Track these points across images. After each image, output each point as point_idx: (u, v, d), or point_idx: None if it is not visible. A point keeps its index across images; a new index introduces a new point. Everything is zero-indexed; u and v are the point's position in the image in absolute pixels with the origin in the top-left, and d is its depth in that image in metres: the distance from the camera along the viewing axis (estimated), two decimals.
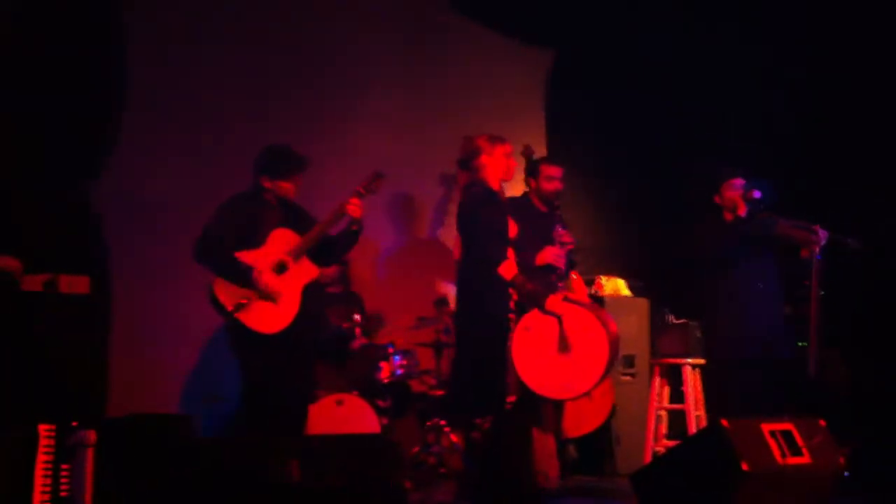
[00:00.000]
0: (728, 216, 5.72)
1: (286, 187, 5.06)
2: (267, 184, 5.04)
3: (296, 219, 5.10)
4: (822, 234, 5.56)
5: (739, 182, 5.69)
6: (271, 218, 5.02)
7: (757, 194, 5.58)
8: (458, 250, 5.27)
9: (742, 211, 5.63)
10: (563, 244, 5.50)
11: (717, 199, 5.78)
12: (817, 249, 5.56)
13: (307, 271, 5.00)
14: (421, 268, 7.27)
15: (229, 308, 4.77)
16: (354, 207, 5.03)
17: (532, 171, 5.74)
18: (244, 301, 4.78)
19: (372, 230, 6.57)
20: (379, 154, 6.81)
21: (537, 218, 5.66)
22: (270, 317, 4.84)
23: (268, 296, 4.83)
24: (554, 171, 5.70)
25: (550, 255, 5.45)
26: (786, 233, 5.68)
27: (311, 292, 5.04)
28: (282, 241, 4.96)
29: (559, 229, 5.53)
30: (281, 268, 4.92)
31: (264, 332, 4.82)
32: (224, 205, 5.00)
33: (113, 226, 5.80)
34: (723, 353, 5.73)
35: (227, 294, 4.80)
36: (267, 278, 4.83)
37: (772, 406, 5.37)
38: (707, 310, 5.91)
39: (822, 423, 4.67)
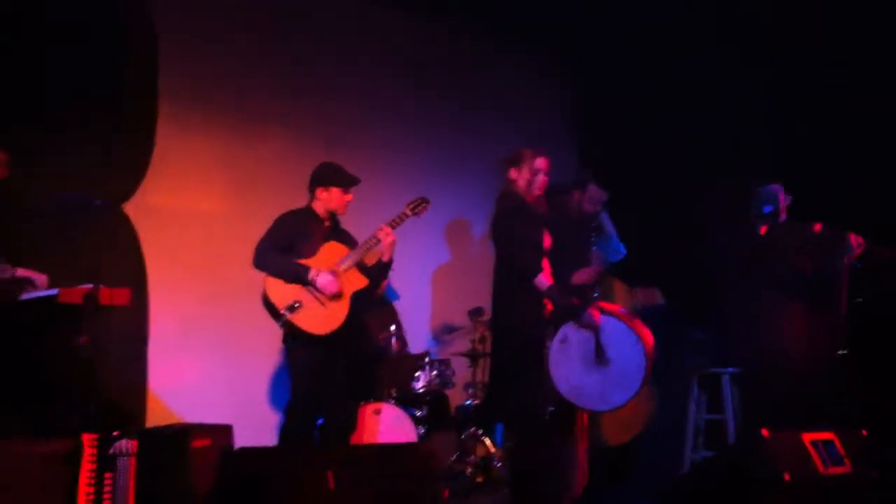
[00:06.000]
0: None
1: (341, 197, 5.20)
2: (322, 193, 5.19)
3: (343, 236, 5.30)
4: (857, 241, 5.50)
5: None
6: (321, 231, 5.20)
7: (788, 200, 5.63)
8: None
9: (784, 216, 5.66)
10: (597, 266, 5.59)
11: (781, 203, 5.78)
12: (854, 257, 5.50)
13: (356, 280, 5.15)
14: (458, 278, 7.30)
15: (281, 309, 4.92)
16: (385, 235, 5.15)
17: (580, 185, 5.81)
18: (296, 304, 4.95)
19: (412, 243, 6.62)
20: (416, 169, 6.93)
21: (574, 228, 5.69)
22: (321, 319, 5.00)
23: (322, 294, 4.98)
24: (600, 194, 5.77)
25: (587, 275, 5.51)
26: (822, 239, 5.62)
27: (359, 301, 5.18)
28: (332, 252, 5.14)
29: (596, 252, 5.59)
30: (332, 274, 5.06)
31: (315, 333, 4.96)
32: (278, 218, 5.19)
33: (149, 238, 5.84)
34: (758, 362, 5.68)
35: (279, 296, 4.96)
36: (325, 275, 4.99)
37: (805, 417, 5.31)
38: (742, 320, 5.86)
39: (864, 432, 4.62)
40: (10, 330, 4.53)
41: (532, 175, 5.11)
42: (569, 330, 5.06)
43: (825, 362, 5.51)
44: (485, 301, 6.32)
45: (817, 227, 5.64)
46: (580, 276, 5.56)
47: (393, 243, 5.18)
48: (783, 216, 5.76)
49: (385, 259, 5.24)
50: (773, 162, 6.52)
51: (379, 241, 5.14)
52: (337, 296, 5.03)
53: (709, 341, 6.49)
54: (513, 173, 5.14)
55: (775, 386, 5.51)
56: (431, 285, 7.25)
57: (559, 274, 5.16)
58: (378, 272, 5.29)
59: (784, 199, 5.74)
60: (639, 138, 7.41)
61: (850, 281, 5.51)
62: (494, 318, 5.20)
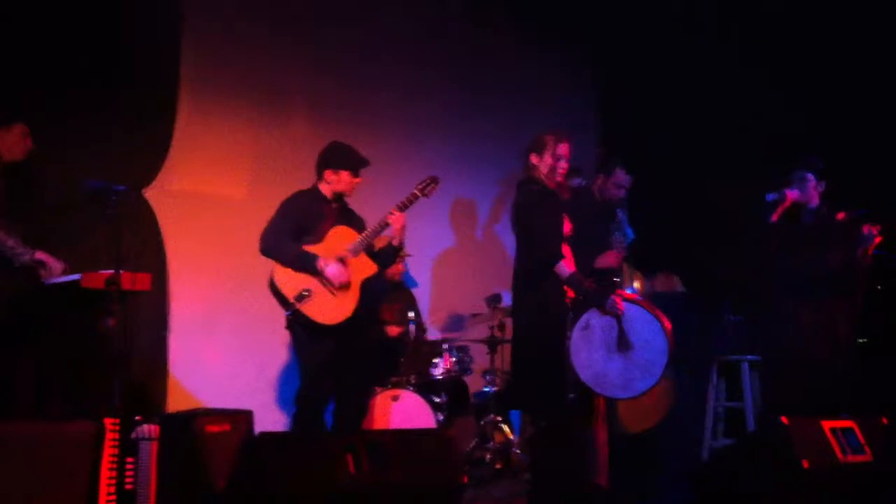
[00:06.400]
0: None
1: (350, 180, 5.12)
2: (331, 176, 5.11)
3: (352, 218, 5.21)
4: (870, 231, 5.44)
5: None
6: (329, 214, 5.11)
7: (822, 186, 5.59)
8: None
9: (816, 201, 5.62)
10: (619, 250, 5.55)
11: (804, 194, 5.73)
12: (872, 247, 5.45)
13: (366, 267, 5.06)
14: (475, 265, 7.30)
15: (290, 299, 4.84)
16: (395, 219, 5.06)
17: (606, 169, 5.75)
18: (305, 292, 4.85)
19: (428, 228, 6.61)
20: (435, 154, 6.94)
21: (596, 213, 5.67)
22: (331, 308, 4.91)
23: (330, 284, 4.89)
24: (626, 180, 5.73)
25: (612, 259, 5.48)
26: (843, 226, 5.58)
27: (370, 288, 5.09)
28: (341, 237, 5.04)
29: (618, 237, 5.56)
30: (341, 262, 4.97)
31: (325, 323, 4.88)
32: (285, 201, 5.10)
33: (170, 223, 5.87)
34: (777, 352, 5.65)
35: (288, 285, 4.87)
36: (334, 266, 4.90)
37: (831, 405, 5.28)
38: (761, 308, 5.84)
39: (885, 421, 4.60)
40: (35, 314, 4.58)
41: (554, 161, 5.00)
42: (591, 316, 5.03)
43: (845, 351, 5.48)
44: (499, 287, 6.36)
45: (840, 215, 5.59)
46: (604, 261, 5.51)
47: (403, 227, 5.11)
48: (815, 202, 5.68)
49: (395, 243, 5.16)
50: (773, 162, 6.50)
51: (389, 224, 5.05)
52: (346, 286, 4.95)
53: (728, 329, 6.48)
54: (534, 159, 5.02)
55: (795, 376, 5.48)
56: (451, 271, 7.26)
57: (580, 260, 5.14)
58: (387, 257, 5.22)
59: (817, 186, 5.67)
60: (642, 134, 7.42)
61: (870, 269, 5.47)
62: (515, 305, 5.15)
